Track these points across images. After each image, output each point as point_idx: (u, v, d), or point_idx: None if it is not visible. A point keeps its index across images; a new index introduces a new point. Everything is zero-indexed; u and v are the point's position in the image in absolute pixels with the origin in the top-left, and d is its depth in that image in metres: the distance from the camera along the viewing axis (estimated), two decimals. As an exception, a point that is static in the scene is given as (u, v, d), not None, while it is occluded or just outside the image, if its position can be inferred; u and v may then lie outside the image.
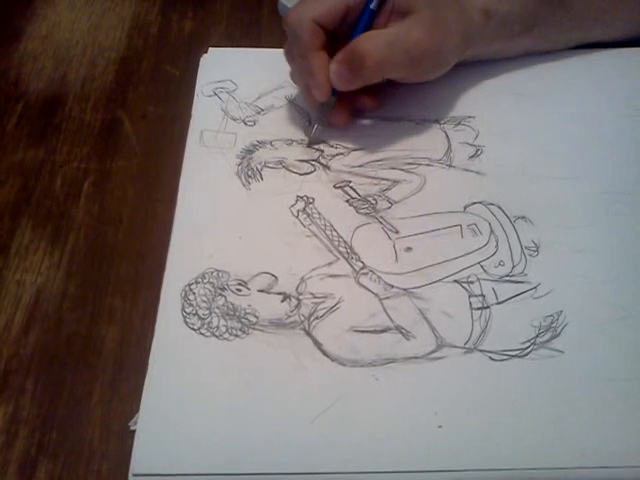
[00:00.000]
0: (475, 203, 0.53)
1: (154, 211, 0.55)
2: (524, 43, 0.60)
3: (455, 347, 0.46)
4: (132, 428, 0.43)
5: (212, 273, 0.49)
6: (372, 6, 0.54)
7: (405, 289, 0.48)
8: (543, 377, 0.44)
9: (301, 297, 0.48)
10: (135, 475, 0.41)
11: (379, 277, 0.49)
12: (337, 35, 0.54)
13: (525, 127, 0.57)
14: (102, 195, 0.57)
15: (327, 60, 0.53)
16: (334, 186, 0.54)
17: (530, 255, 0.50)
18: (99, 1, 0.74)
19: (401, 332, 0.46)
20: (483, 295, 0.48)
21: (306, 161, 0.55)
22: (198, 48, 0.65)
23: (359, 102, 0.57)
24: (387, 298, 0.48)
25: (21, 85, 0.66)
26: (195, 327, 0.46)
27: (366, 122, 0.58)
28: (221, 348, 0.46)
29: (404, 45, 0.52)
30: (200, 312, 0.47)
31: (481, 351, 0.45)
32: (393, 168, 0.55)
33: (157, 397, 0.44)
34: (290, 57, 0.56)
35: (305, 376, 0.45)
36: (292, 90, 0.60)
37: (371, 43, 0.52)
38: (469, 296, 0.48)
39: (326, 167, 0.55)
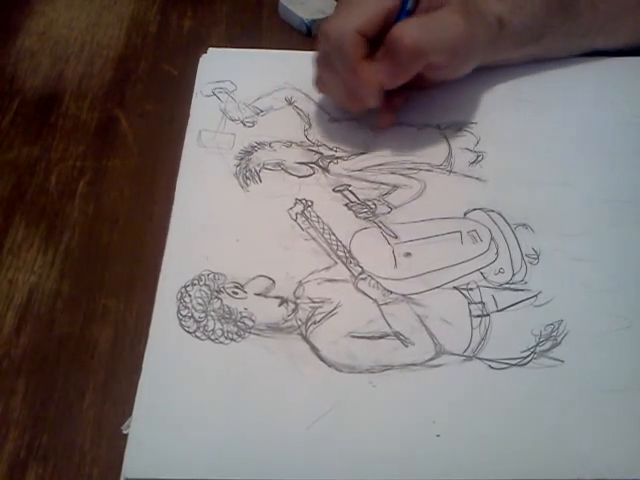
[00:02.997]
0: (475, 209, 0.52)
1: (150, 211, 0.55)
2: (530, 52, 0.60)
3: (454, 355, 0.45)
4: (125, 432, 0.43)
5: (208, 275, 0.48)
6: (409, 6, 0.53)
7: (404, 295, 0.48)
8: (543, 386, 0.44)
9: (298, 301, 0.47)
10: (127, 479, 0.40)
11: (378, 282, 0.48)
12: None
13: (526, 134, 0.57)
14: (97, 194, 0.56)
15: (371, 68, 0.52)
16: (333, 190, 0.53)
17: (530, 263, 0.49)
18: (98, -2, 0.73)
19: (399, 339, 0.46)
20: (483, 302, 0.47)
21: (305, 164, 0.55)
22: (197, 48, 0.65)
23: (394, 102, 0.56)
24: (386, 304, 0.47)
25: (17, 82, 0.65)
26: (190, 330, 0.46)
27: (366, 126, 0.57)
28: (217, 352, 0.45)
29: (441, 29, 0.51)
30: (196, 315, 0.46)
31: (480, 359, 0.45)
32: (393, 173, 0.54)
33: (151, 400, 0.43)
34: (326, 67, 0.54)
35: (301, 382, 0.44)
36: (292, 92, 0.59)
37: (404, 27, 0.51)
38: (469, 303, 0.47)
39: (325, 170, 0.54)
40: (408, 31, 0.50)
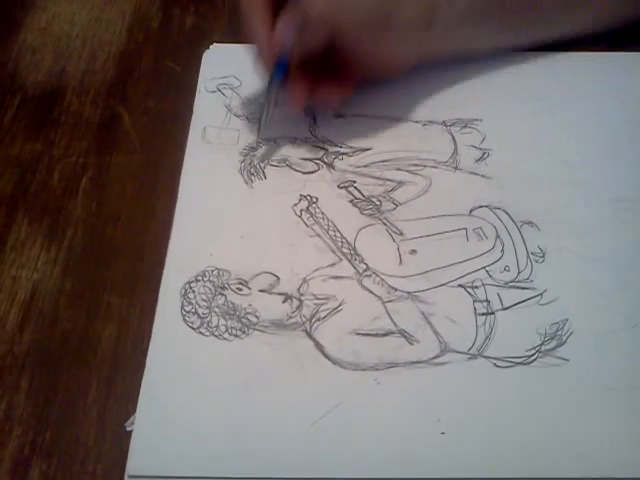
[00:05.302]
0: (481, 207, 0.52)
1: (153, 208, 0.54)
2: (494, 34, 0.59)
3: (459, 353, 0.45)
4: (128, 429, 0.43)
5: (212, 271, 0.48)
6: None
7: (409, 292, 0.47)
8: (548, 385, 0.44)
9: (303, 298, 0.47)
10: (131, 477, 0.40)
11: (383, 280, 0.48)
12: None
13: (533, 131, 0.57)
14: (100, 191, 0.56)
15: (270, 20, 0.51)
16: (338, 186, 0.53)
17: (536, 261, 0.49)
18: (100, -6, 0.73)
19: (404, 336, 0.46)
20: (488, 300, 0.47)
21: (310, 160, 0.55)
22: (199, 44, 0.65)
23: (317, 90, 0.54)
24: (390, 301, 0.47)
25: (19, 77, 0.65)
26: (194, 326, 0.46)
27: (371, 122, 0.57)
28: (220, 348, 0.45)
29: (352, 3, 0.50)
30: (200, 311, 0.46)
31: (485, 357, 0.45)
32: (398, 169, 0.54)
33: (154, 397, 0.43)
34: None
35: (305, 379, 0.44)
36: (296, 88, 0.59)
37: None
38: (474, 301, 0.47)
39: (330, 166, 0.54)
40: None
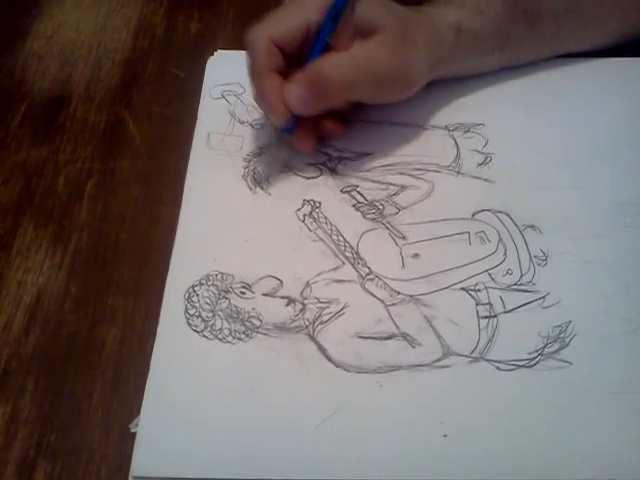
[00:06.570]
0: (484, 210, 0.52)
1: (157, 213, 0.55)
2: (497, 60, 0.59)
3: (461, 356, 0.45)
4: (133, 430, 0.43)
5: (216, 275, 0.48)
6: (328, 39, 0.51)
7: (411, 296, 0.48)
8: (551, 388, 0.44)
9: (306, 302, 0.47)
10: (135, 477, 0.41)
11: (385, 283, 0.48)
12: (298, 58, 0.52)
13: (535, 135, 0.57)
14: (105, 196, 0.56)
15: (281, 83, 0.51)
16: (341, 190, 0.53)
17: (539, 264, 0.49)
18: (105, 2, 0.73)
19: (407, 339, 0.46)
20: (490, 304, 0.47)
21: (313, 165, 0.55)
22: (204, 50, 0.65)
23: (322, 127, 0.55)
24: (393, 305, 0.47)
25: (26, 85, 0.65)
26: (198, 329, 0.46)
27: (374, 127, 0.57)
28: (224, 351, 0.45)
29: (369, 67, 0.50)
30: (203, 314, 0.46)
31: (488, 360, 0.45)
32: (401, 173, 0.54)
33: (158, 399, 0.43)
34: (250, 78, 0.53)
35: (309, 381, 0.44)
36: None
37: (335, 65, 0.50)
38: (476, 304, 0.47)
39: (333, 171, 0.54)
40: (337, 69, 0.50)
